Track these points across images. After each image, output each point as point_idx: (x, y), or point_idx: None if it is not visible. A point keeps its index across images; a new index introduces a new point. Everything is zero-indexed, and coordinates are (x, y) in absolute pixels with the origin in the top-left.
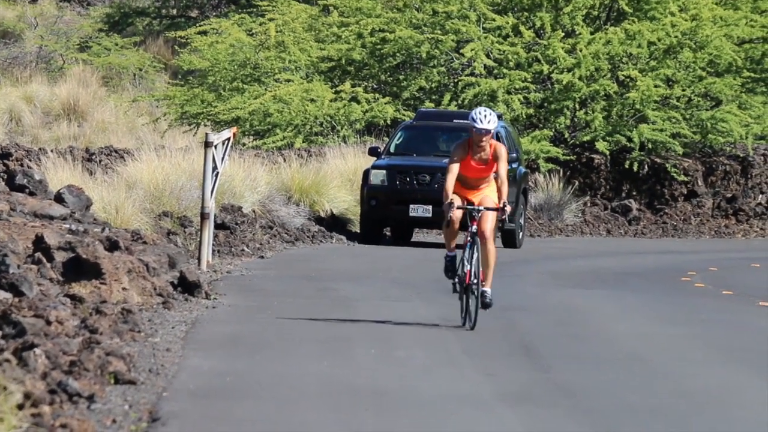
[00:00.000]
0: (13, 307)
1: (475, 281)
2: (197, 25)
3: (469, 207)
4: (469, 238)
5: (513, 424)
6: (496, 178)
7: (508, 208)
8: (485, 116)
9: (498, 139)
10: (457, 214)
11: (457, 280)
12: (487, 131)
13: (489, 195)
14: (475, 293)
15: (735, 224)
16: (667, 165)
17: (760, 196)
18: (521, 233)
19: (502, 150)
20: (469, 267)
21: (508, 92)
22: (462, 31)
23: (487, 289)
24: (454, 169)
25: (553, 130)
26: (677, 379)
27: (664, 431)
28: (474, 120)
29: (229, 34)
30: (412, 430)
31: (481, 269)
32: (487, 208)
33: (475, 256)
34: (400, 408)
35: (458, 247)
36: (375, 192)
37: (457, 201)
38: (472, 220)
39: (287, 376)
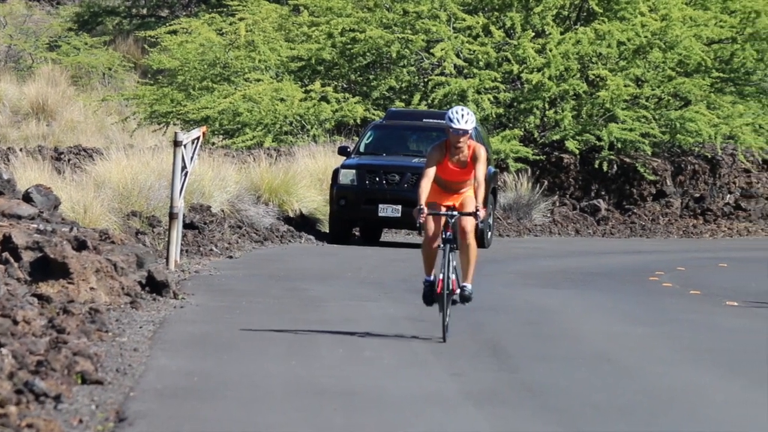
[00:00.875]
0: None
1: (447, 292)
2: (167, 24)
3: (442, 213)
4: (441, 245)
5: (480, 424)
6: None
7: (482, 213)
8: (462, 116)
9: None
10: (431, 224)
11: (432, 278)
12: (465, 132)
13: (471, 196)
14: (446, 305)
15: (703, 224)
16: (636, 164)
17: (728, 196)
18: (490, 233)
19: (482, 151)
20: (441, 276)
21: (478, 92)
22: (432, 31)
23: (468, 284)
24: (430, 173)
25: (523, 129)
26: (644, 379)
27: (630, 430)
28: (451, 120)
29: (198, 34)
30: (378, 430)
31: (460, 266)
32: (461, 213)
33: (451, 265)
34: (368, 408)
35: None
36: (344, 191)
37: (435, 215)
38: (446, 226)
39: (255, 376)
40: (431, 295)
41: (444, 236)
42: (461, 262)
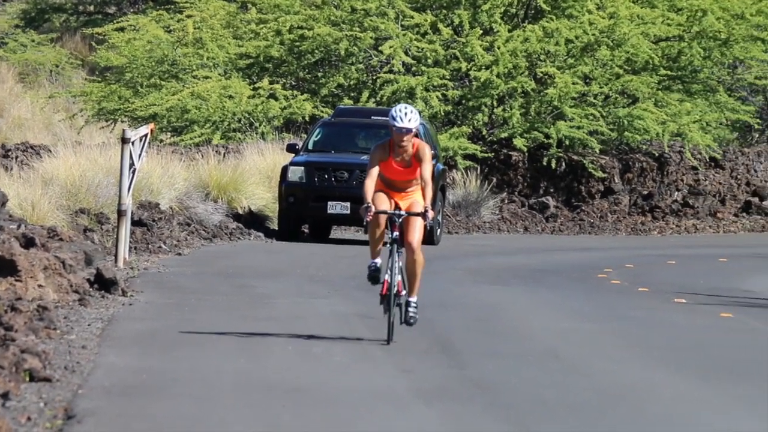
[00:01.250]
0: None
1: (395, 293)
2: (115, 21)
3: (389, 212)
4: (388, 245)
5: (430, 421)
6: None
7: (431, 213)
8: (406, 114)
9: (416, 136)
10: (378, 220)
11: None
12: (409, 130)
13: (418, 200)
14: (392, 306)
15: (651, 221)
16: (584, 162)
17: (676, 193)
18: (439, 230)
19: (426, 150)
20: (387, 277)
21: (427, 89)
22: (380, 29)
23: (413, 299)
24: (374, 172)
25: (471, 127)
26: (593, 376)
27: (579, 427)
28: (394, 118)
29: (146, 31)
30: (328, 427)
31: (406, 279)
32: (409, 213)
33: (396, 266)
34: (317, 404)
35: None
36: (293, 189)
37: (384, 203)
38: (393, 225)
39: (204, 373)
40: (377, 276)
41: (391, 236)
42: (406, 275)
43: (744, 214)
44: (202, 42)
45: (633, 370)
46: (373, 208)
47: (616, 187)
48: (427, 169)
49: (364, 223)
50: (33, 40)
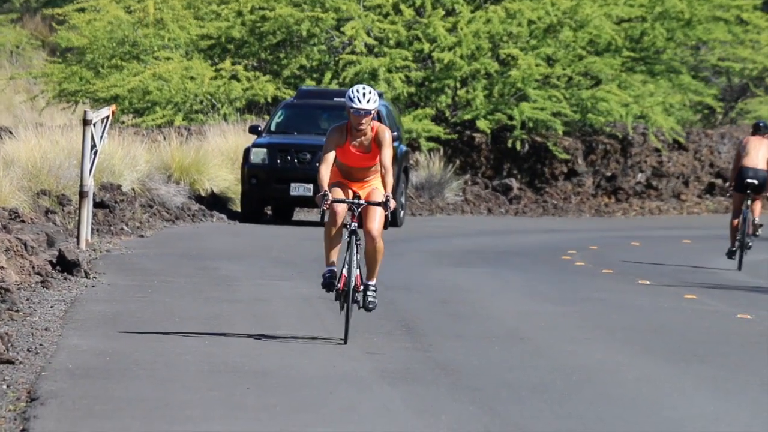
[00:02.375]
0: None
1: (353, 287)
2: (75, 2)
3: (347, 200)
4: (347, 237)
5: (394, 402)
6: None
7: (392, 203)
8: (364, 94)
9: (378, 118)
10: (338, 209)
11: (338, 286)
12: (367, 112)
13: (378, 188)
14: (350, 302)
15: (615, 203)
16: (547, 144)
17: (639, 174)
18: (402, 212)
19: (386, 134)
20: (344, 270)
21: (389, 71)
22: (342, 9)
23: (372, 282)
24: (329, 158)
25: (435, 108)
26: (557, 358)
27: (543, 408)
28: (351, 99)
29: (107, 12)
30: (292, 409)
31: (365, 266)
32: (369, 203)
33: (355, 259)
34: (281, 387)
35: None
36: (255, 170)
37: (339, 193)
38: (352, 216)
39: (167, 355)
40: (333, 283)
41: (349, 227)
42: (366, 261)
43: (707, 195)
44: (163, 23)
45: (597, 351)
46: (330, 196)
47: (580, 169)
48: (387, 154)
49: (320, 213)
50: None
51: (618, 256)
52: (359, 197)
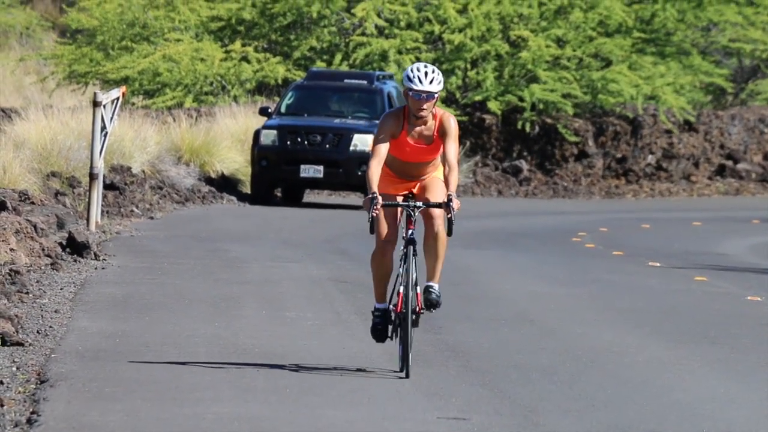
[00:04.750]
0: None
1: (413, 309)
2: None
3: (403, 204)
4: (403, 248)
5: (403, 384)
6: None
7: (456, 203)
8: (426, 74)
9: (389, 100)
10: (385, 223)
11: (391, 308)
12: (430, 95)
13: (435, 184)
14: (409, 327)
15: (625, 185)
16: (558, 125)
17: (650, 156)
18: None
19: (452, 123)
20: (402, 289)
21: (400, 52)
22: None
23: (434, 284)
24: (381, 151)
25: (445, 90)
26: (566, 339)
27: (552, 390)
28: (410, 80)
29: None
30: (302, 391)
31: (425, 262)
32: (428, 204)
33: (413, 274)
34: (290, 368)
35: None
36: (265, 152)
37: (392, 199)
38: (408, 222)
39: (176, 337)
40: (385, 327)
41: (406, 235)
42: (426, 257)
43: (718, 177)
44: (174, 4)
45: (607, 333)
46: (380, 200)
47: (590, 151)
48: (452, 148)
49: (368, 220)
50: (3, 2)
51: (628, 238)
52: (412, 196)
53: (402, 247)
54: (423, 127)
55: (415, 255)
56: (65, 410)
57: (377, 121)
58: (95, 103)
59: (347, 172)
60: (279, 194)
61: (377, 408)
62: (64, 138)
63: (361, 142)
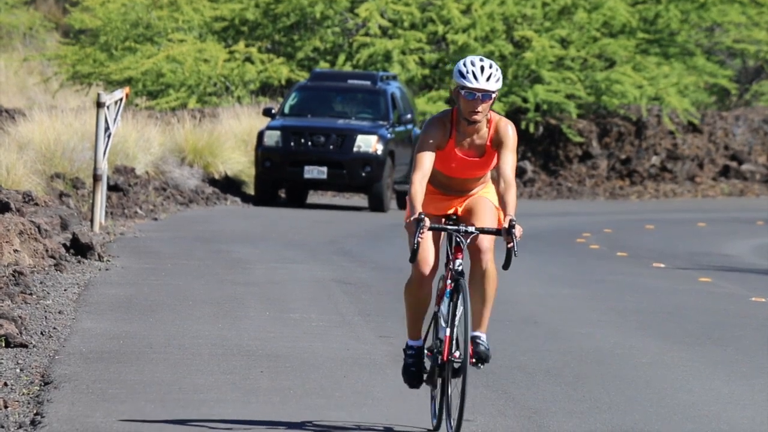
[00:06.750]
0: None
1: (458, 356)
2: None
3: (452, 228)
4: (449, 281)
5: (407, 386)
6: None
7: (519, 230)
8: (482, 68)
9: (392, 100)
10: (429, 249)
11: (426, 353)
12: (487, 95)
13: (483, 206)
14: (448, 376)
15: (629, 186)
16: (562, 126)
17: (654, 157)
18: None
19: (510, 131)
20: (448, 332)
21: (403, 53)
22: None
23: (482, 333)
24: (426, 162)
25: (449, 90)
26: (571, 340)
27: (557, 391)
28: (463, 75)
29: None
30: (306, 392)
31: (472, 306)
32: (482, 231)
33: (459, 312)
34: (294, 370)
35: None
36: (269, 153)
37: (436, 218)
38: (457, 250)
39: (180, 338)
40: (420, 370)
41: (453, 266)
42: (472, 299)
43: (722, 178)
44: (177, 5)
45: (611, 335)
46: (427, 222)
47: (594, 152)
48: (509, 160)
49: (412, 247)
50: (6, 3)
51: (632, 239)
52: (456, 218)
53: (444, 280)
54: (475, 135)
55: (460, 291)
56: (69, 412)
57: (381, 122)
58: (99, 104)
59: (351, 174)
60: (283, 195)
61: (381, 409)
62: (67, 139)
63: (365, 143)
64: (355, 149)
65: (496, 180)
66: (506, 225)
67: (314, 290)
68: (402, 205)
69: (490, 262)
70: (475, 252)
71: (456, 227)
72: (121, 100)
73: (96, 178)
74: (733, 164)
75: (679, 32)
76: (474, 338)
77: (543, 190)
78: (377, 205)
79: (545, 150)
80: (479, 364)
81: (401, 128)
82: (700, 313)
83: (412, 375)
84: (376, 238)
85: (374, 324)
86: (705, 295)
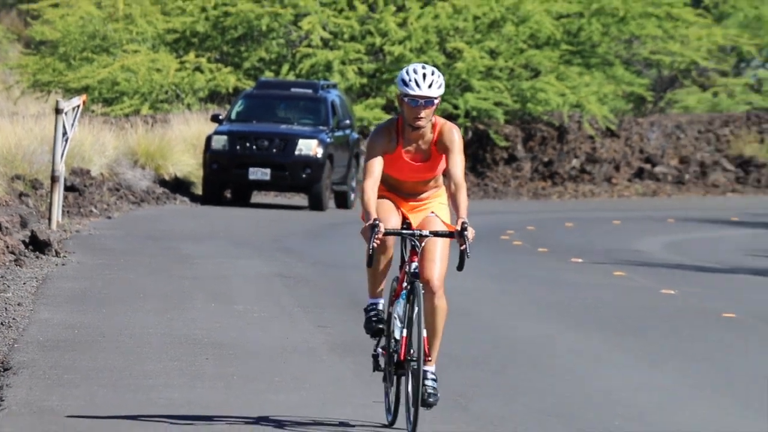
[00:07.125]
0: None
1: (414, 356)
2: None
3: (407, 233)
4: (405, 284)
5: (343, 372)
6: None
7: (471, 233)
8: (425, 76)
9: (332, 108)
10: (387, 245)
11: (380, 351)
12: (429, 101)
13: (437, 210)
14: (408, 375)
15: (551, 186)
16: (489, 131)
17: (574, 160)
18: (353, 194)
19: (455, 134)
20: (405, 332)
21: (343, 63)
22: (300, 5)
23: (431, 368)
24: (375, 169)
25: (385, 98)
26: (496, 331)
27: (482, 378)
28: (406, 83)
29: (79, 7)
30: (247, 378)
31: (423, 336)
32: (436, 233)
33: (416, 312)
34: (238, 357)
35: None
36: (216, 156)
37: (392, 217)
38: (412, 253)
39: (131, 328)
40: (380, 320)
41: (409, 269)
42: (423, 331)
43: (637, 179)
44: (132, 17)
45: (533, 325)
46: (382, 228)
47: (519, 155)
48: (457, 162)
49: (368, 252)
50: None
51: (553, 236)
52: (410, 224)
53: (399, 282)
54: (420, 140)
55: (416, 292)
56: (27, 396)
57: (321, 127)
58: (57, 111)
59: (292, 175)
60: (229, 195)
61: (318, 393)
62: (28, 143)
63: (306, 146)
64: (296, 152)
65: (447, 185)
66: (458, 228)
67: (257, 284)
68: (339, 204)
69: (441, 299)
70: (426, 284)
71: (411, 231)
72: (78, 106)
73: (54, 180)
74: (647, 167)
75: (600, 44)
76: (425, 373)
77: (471, 190)
78: (316, 204)
79: (474, 153)
80: (427, 406)
81: (340, 133)
82: (614, 305)
83: (375, 329)
84: (315, 235)
85: (312, 315)
86: (619, 288)
